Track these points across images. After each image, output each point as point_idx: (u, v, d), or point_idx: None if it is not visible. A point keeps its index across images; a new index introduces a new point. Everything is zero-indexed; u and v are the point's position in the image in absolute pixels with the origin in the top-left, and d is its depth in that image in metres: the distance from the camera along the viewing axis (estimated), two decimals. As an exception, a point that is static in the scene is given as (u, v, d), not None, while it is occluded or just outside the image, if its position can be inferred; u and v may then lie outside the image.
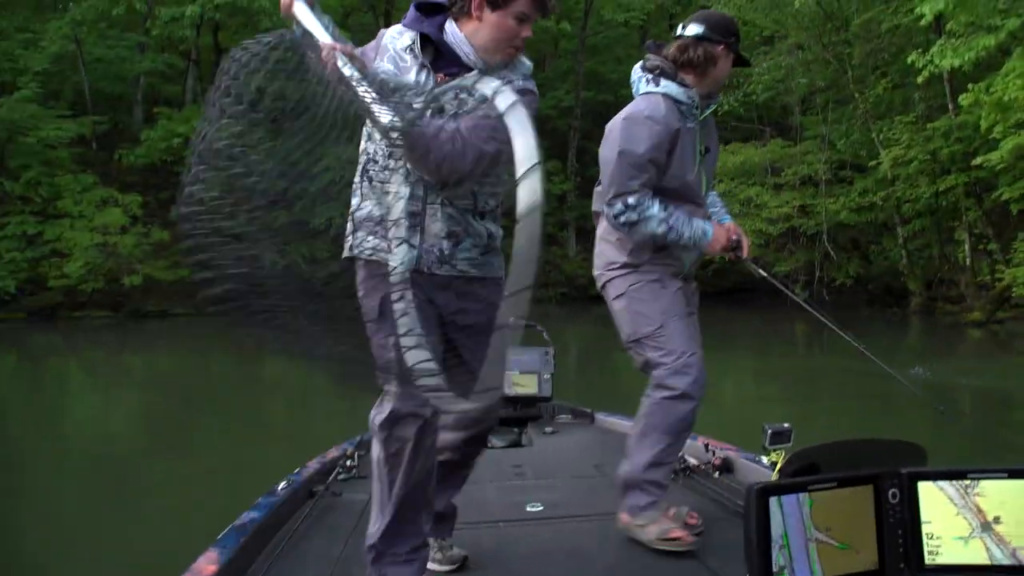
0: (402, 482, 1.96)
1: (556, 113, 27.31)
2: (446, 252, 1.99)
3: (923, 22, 12.92)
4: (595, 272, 2.73)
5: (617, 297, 2.63)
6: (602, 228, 2.70)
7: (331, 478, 3.18)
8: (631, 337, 2.59)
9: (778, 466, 1.77)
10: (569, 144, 27.15)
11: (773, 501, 1.32)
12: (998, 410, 8.60)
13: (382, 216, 1.94)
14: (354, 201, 2.02)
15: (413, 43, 1.97)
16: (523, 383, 4.11)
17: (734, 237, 2.65)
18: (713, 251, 2.63)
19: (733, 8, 21.63)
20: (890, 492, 1.42)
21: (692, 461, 3.26)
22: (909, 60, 13.04)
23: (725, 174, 22.45)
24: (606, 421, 4.23)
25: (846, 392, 9.25)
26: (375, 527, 2.02)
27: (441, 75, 1.95)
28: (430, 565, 2.17)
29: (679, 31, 2.61)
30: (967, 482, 1.41)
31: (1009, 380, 10.10)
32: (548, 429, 4.19)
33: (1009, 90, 10.62)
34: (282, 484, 2.98)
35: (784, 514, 1.32)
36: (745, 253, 2.68)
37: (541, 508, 2.90)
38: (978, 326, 15.64)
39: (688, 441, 3.13)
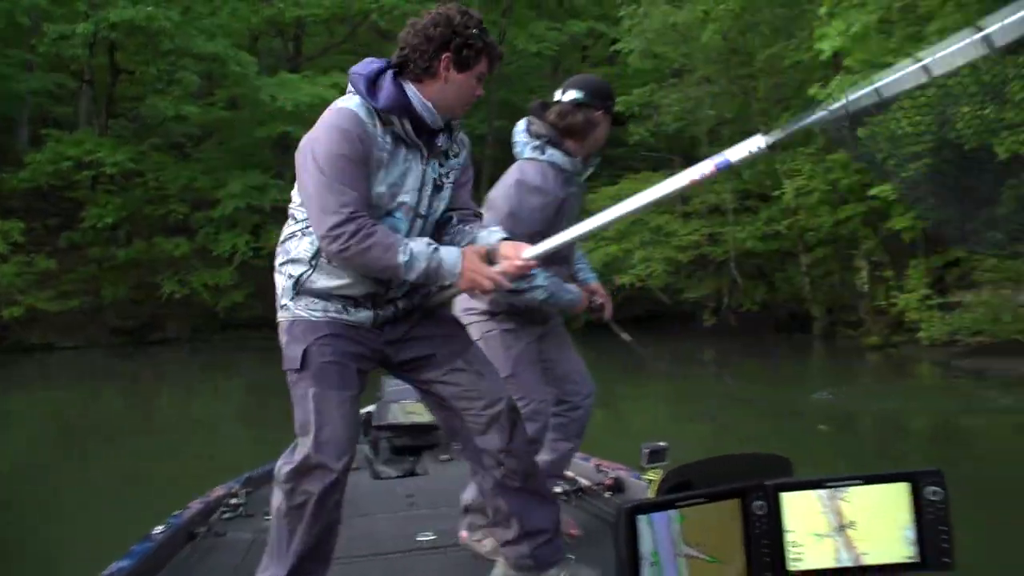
0: (302, 537, 1.97)
1: (469, 141, 27.11)
2: (400, 309, 2.18)
3: (822, 57, 13.32)
4: (455, 312, 2.71)
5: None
6: None
7: (214, 517, 3.07)
8: None
9: (654, 484, 1.78)
10: (482, 172, 27.00)
11: (642, 520, 1.34)
12: (893, 428, 8.79)
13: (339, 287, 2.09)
14: (304, 271, 2.09)
15: (404, 125, 2.05)
16: (418, 411, 4.04)
17: (598, 300, 2.81)
18: (577, 312, 2.79)
19: (643, 42, 22.09)
20: (756, 504, 1.47)
21: (584, 482, 3.28)
22: (811, 93, 13.38)
23: (636, 205, 22.73)
24: None
25: (747, 410, 9.32)
26: (266, 574, 2.00)
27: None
28: None
29: (558, 95, 2.71)
30: (829, 490, 1.49)
31: (905, 401, 10.41)
32: (444, 457, 4.09)
33: (901, 124, 10.94)
34: (159, 528, 2.85)
35: (654, 531, 1.35)
36: (608, 315, 2.83)
37: (433, 538, 2.84)
38: (876, 349, 16.12)
39: (580, 462, 3.37)
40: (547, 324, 2.80)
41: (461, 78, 2.07)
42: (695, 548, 1.39)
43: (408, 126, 2.05)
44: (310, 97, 20.48)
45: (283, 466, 1.98)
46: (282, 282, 2.12)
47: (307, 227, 2.06)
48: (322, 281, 2.07)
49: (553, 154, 2.63)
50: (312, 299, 2.07)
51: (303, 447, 1.97)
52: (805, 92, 19.74)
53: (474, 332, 2.62)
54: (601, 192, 23.75)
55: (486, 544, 2.61)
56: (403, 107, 2.03)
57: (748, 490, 1.49)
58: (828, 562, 1.48)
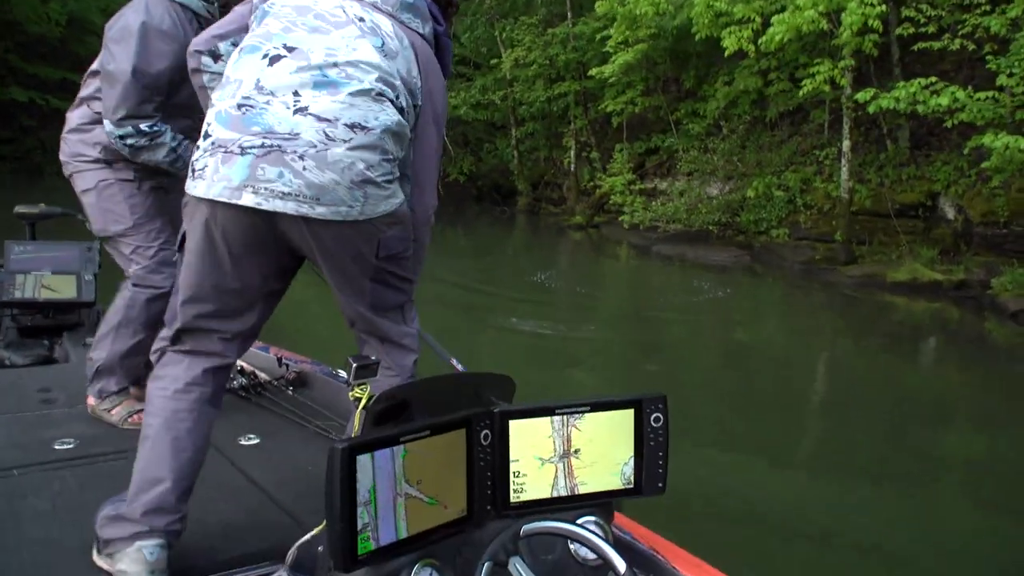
0: None
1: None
2: None
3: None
4: (61, 158, 2.56)
5: (85, 191, 2.54)
6: (78, 117, 2.54)
7: None
8: (102, 233, 2.56)
9: (363, 403, 1.62)
10: None
11: (364, 459, 1.22)
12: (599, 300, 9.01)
13: None
14: None
15: None
16: (56, 286, 3.47)
17: None
18: None
19: None
20: (482, 434, 1.41)
21: (263, 376, 2.96)
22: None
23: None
24: None
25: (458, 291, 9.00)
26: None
27: None
28: None
29: None
30: (561, 417, 1.45)
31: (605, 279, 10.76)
32: (90, 339, 3.27)
33: (640, 4, 10.85)
34: None
35: (375, 469, 1.24)
36: None
37: (72, 445, 2.34)
38: (579, 229, 16.70)
39: (259, 352, 3.11)
40: (175, 176, 2.50)
41: None
42: (415, 487, 1.31)
43: None
44: None
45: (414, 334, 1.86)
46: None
47: None
48: None
49: None
50: None
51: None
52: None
53: (88, 180, 2.51)
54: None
55: (115, 413, 2.53)
56: None
57: (474, 418, 1.40)
58: (547, 491, 1.46)
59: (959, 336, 8.33)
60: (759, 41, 10.07)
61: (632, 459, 1.51)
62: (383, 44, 1.63)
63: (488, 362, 4.52)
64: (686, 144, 15.32)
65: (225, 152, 1.53)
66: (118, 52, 2.31)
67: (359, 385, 1.87)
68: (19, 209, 3.65)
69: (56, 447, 2.30)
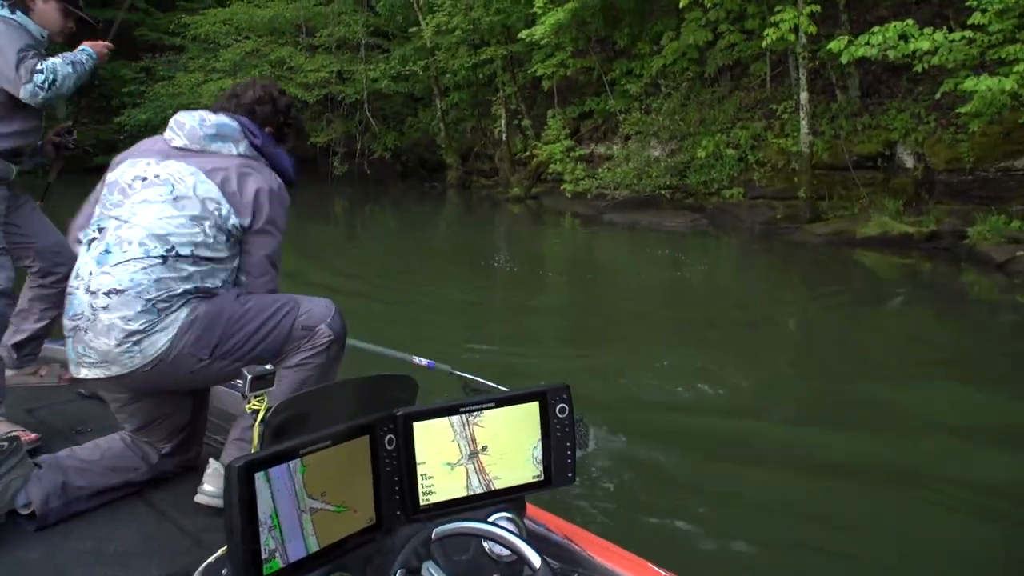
0: None
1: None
2: None
3: None
4: None
5: None
6: None
7: None
8: None
9: (260, 416, 1.53)
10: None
11: (260, 477, 1.17)
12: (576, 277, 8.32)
13: None
14: None
15: None
16: None
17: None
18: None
19: None
20: (386, 439, 1.39)
21: None
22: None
23: (252, 30, 19.71)
24: None
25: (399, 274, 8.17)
26: None
27: None
28: None
29: None
30: (463, 415, 1.44)
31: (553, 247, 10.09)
32: None
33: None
34: None
35: (273, 489, 1.19)
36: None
37: None
38: (517, 201, 15.97)
39: None
40: (12, 189, 2.79)
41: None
42: (320, 500, 1.25)
43: None
44: None
45: None
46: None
47: None
48: None
49: (22, 18, 2.75)
50: None
51: None
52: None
53: None
54: (208, 15, 20.26)
55: None
56: None
57: (377, 424, 1.37)
58: (460, 491, 1.45)
59: (944, 291, 7.96)
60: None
61: (540, 451, 1.50)
62: (172, 191, 1.96)
63: (432, 350, 4.07)
64: (624, 105, 14.70)
65: (66, 338, 1.95)
66: None
67: (256, 397, 1.88)
68: None
69: None
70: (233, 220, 1.98)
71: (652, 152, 13.69)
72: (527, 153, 16.65)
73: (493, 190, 17.63)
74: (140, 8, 22.57)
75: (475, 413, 1.45)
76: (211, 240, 1.96)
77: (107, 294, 1.86)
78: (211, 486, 2.00)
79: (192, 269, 1.93)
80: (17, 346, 2.94)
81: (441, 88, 18.92)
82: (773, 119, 12.13)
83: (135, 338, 1.85)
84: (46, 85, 2.68)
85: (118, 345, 1.85)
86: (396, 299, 7.29)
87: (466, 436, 1.44)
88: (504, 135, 17.68)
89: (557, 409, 1.51)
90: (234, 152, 2.07)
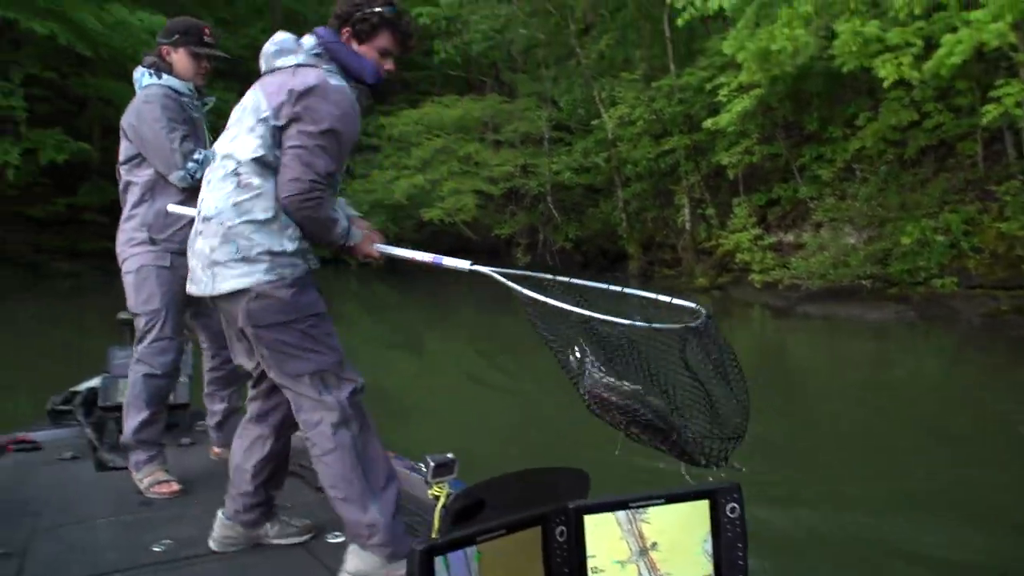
0: (375, 451, 2.18)
1: (249, 54, 23.70)
2: None
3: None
4: (120, 243, 3.03)
5: (127, 272, 3.02)
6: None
7: None
8: (131, 309, 3.04)
9: (441, 502, 1.76)
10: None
11: (439, 561, 1.23)
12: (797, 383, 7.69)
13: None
14: (295, 235, 2.18)
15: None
16: None
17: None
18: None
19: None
20: (558, 531, 1.40)
21: None
22: (668, 1, 11.93)
23: (441, 128, 20.77)
24: None
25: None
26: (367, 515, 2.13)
27: None
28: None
29: None
30: (631, 511, 1.44)
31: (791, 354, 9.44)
32: (186, 440, 3.73)
33: (778, 39, 9.79)
34: None
35: (450, 573, 1.24)
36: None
37: (168, 547, 2.40)
38: (702, 292, 15.45)
39: None
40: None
41: (363, 49, 2.26)
42: None
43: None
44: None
45: (337, 408, 2.12)
46: (281, 241, 2.15)
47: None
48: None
49: (168, 79, 3.03)
50: (307, 253, 2.19)
51: (348, 379, 2.17)
52: (624, 15, 18.74)
53: (136, 262, 2.97)
54: (402, 116, 21.60)
55: (143, 482, 2.90)
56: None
57: (549, 515, 1.40)
58: None
59: None
60: (923, 67, 8.81)
61: (711, 550, 1.46)
62: (242, 112, 2.21)
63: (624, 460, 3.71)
64: (815, 191, 14.00)
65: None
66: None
67: (437, 483, 2.00)
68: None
69: (154, 549, 2.39)
70: (271, 120, 2.11)
71: (847, 240, 12.85)
72: (712, 242, 16.18)
73: (676, 280, 17.19)
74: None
75: (642, 509, 1.45)
76: (267, 144, 2.11)
77: (202, 220, 2.19)
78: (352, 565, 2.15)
79: (258, 181, 2.11)
80: (216, 428, 3.25)
81: (623, 178, 18.95)
82: (990, 201, 11.05)
83: (215, 268, 2.14)
84: (197, 175, 2.76)
85: (203, 268, 2.16)
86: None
87: (634, 533, 1.43)
88: (688, 224, 17.33)
89: (728, 508, 1.48)
90: (292, 63, 2.18)
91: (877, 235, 12.34)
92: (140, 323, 2.98)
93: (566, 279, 2.11)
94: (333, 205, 2.19)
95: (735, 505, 1.48)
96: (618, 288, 2.12)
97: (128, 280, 2.98)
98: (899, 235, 11.49)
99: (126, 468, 3.25)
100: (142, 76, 3.05)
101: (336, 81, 2.15)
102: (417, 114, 21.38)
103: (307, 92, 2.10)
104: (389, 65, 2.27)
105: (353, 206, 2.41)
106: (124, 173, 3.02)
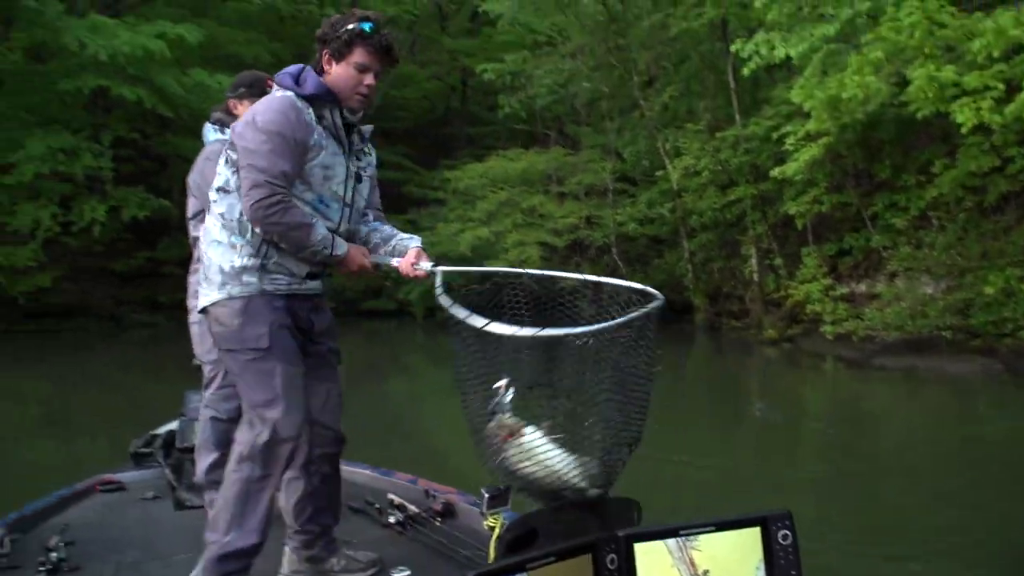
0: (266, 507, 2.29)
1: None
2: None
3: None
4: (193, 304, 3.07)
5: (193, 323, 3.12)
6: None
7: None
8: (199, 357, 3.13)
9: (496, 532, 1.76)
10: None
11: None
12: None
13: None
14: (248, 253, 2.32)
15: (333, 115, 2.39)
16: None
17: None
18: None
19: (502, 7, 20.23)
20: (608, 558, 1.40)
21: (412, 508, 3.12)
22: (733, 48, 11.92)
23: (506, 181, 20.98)
24: (345, 471, 3.26)
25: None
26: (229, 546, 2.27)
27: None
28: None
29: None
30: (681, 539, 1.44)
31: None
32: None
33: (848, 87, 9.66)
34: None
35: None
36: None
37: None
38: (772, 344, 15.08)
39: (407, 485, 3.46)
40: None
41: (340, 68, 2.36)
42: None
43: (337, 117, 2.36)
44: (131, 47, 17.28)
45: (249, 443, 2.24)
46: (232, 258, 2.27)
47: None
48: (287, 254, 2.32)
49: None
50: (276, 273, 2.30)
51: (270, 422, 2.23)
52: (687, 67, 18.79)
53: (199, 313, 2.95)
54: (467, 170, 21.91)
55: None
56: (327, 95, 2.34)
57: (600, 543, 1.42)
58: None
59: None
60: (1005, 111, 8.54)
61: None
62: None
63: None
64: (889, 241, 13.62)
65: None
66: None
67: (492, 514, 2.04)
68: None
69: None
70: (228, 149, 2.33)
71: (924, 289, 12.41)
72: (781, 293, 15.83)
73: (745, 332, 16.83)
74: (408, 168, 25.00)
75: (693, 537, 1.43)
76: (227, 173, 2.32)
77: None
78: None
79: (222, 207, 2.32)
80: (199, 487, 3.21)
81: (688, 229, 18.78)
82: (1078, 250, 10.58)
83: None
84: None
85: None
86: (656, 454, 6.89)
87: (685, 560, 1.43)
88: (755, 275, 17.03)
89: (780, 536, 1.46)
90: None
91: (957, 285, 11.89)
92: (206, 371, 3.06)
93: (537, 271, 2.40)
94: (304, 212, 2.27)
95: (787, 532, 1.47)
96: (593, 277, 2.42)
97: (193, 330, 3.08)
98: (981, 285, 11.05)
99: (203, 507, 3.35)
100: (208, 131, 3.16)
101: (277, 94, 2.34)
102: (482, 168, 21.66)
103: (245, 122, 2.30)
104: (369, 80, 2.35)
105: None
106: (191, 228, 3.10)
